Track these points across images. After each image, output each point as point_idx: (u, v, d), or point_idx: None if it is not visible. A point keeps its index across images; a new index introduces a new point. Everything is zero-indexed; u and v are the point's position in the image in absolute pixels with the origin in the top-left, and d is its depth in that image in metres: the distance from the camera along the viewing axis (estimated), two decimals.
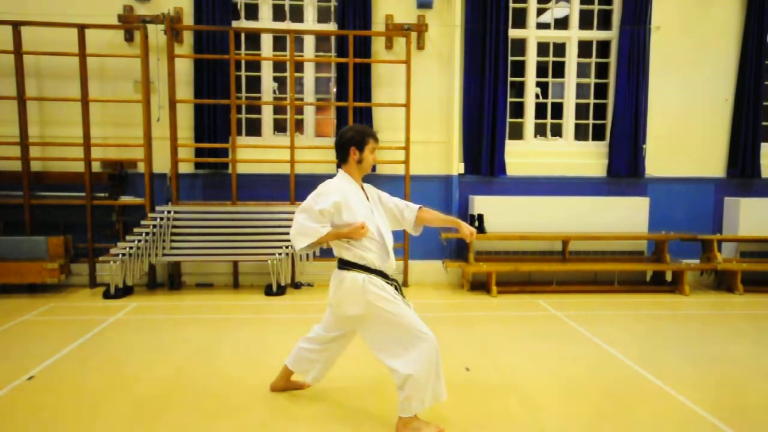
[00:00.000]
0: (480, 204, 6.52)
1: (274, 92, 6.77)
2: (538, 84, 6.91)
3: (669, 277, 6.62)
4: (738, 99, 6.83)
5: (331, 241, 2.93)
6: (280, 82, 6.76)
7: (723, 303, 5.98)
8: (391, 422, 2.97)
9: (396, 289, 2.98)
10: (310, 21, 6.63)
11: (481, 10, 6.46)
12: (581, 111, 7.05)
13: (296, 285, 6.38)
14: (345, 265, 2.94)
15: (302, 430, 2.97)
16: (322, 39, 6.79)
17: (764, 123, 6.90)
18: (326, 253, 6.09)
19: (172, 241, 6.04)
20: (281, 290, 6.03)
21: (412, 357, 2.81)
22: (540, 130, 7.02)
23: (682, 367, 3.94)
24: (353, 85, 6.33)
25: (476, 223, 6.38)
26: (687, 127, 6.87)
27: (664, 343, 4.54)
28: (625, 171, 6.76)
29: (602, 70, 7.01)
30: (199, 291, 6.24)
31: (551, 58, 6.90)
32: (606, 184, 6.84)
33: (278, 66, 6.68)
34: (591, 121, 7.07)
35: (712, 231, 6.96)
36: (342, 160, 3.04)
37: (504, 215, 6.54)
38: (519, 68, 6.92)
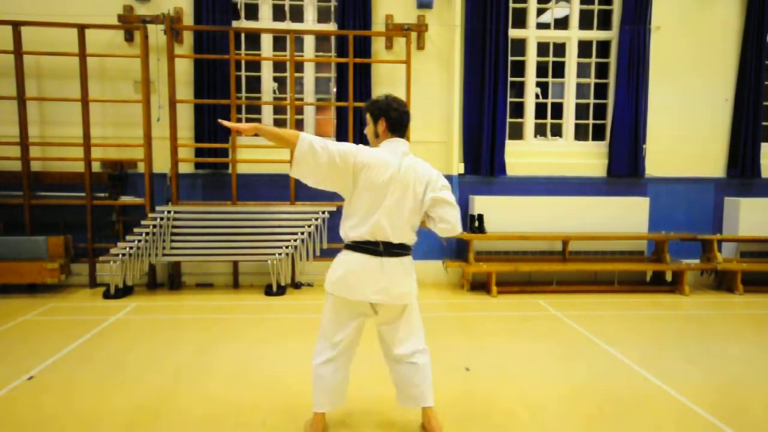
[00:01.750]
0: (480, 204, 6.52)
1: (274, 92, 6.77)
2: (538, 84, 6.91)
3: (669, 277, 6.62)
4: (738, 99, 6.83)
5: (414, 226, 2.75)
6: (280, 82, 6.76)
7: (723, 303, 5.98)
8: (393, 424, 2.97)
9: None
10: (310, 21, 6.63)
11: (481, 10, 6.46)
12: (581, 111, 7.05)
13: (296, 285, 6.38)
14: (409, 249, 2.75)
15: (303, 429, 2.97)
16: (322, 39, 6.79)
17: (764, 123, 6.91)
18: (326, 253, 6.14)
19: (172, 241, 6.04)
20: (281, 290, 6.03)
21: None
22: (540, 130, 7.03)
23: (682, 367, 3.95)
24: (353, 85, 6.33)
25: (476, 223, 6.39)
26: (687, 127, 6.87)
27: (664, 343, 4.54)
28: (625, 171, 6.76)
29: (602, 70, 7.01)
30: (199, 291, 6.24)
31: (551, 58, 6.90)
32: (606, 184, 6.84)
33: (278, 66, 6.67)
34: (591, 121, 7.07)
35: (712, 231, 6.96)
36: (405, 134, 2.86)
37: (504, 215, 6.54)
38: (519, 68, 6.91)
